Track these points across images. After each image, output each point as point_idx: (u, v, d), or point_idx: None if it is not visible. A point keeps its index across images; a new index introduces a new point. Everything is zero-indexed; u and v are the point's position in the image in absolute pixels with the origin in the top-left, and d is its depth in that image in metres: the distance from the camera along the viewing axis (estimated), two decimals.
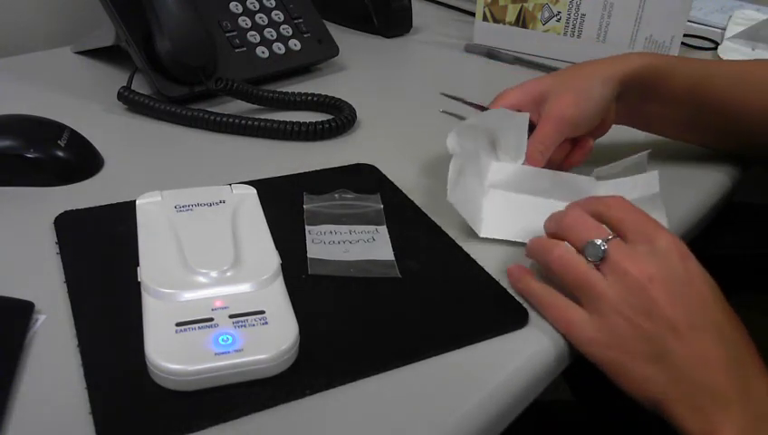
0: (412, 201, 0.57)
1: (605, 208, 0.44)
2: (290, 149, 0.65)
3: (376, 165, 0.62)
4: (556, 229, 0.46)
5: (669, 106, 0.59)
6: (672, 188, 0.56)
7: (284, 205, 0.55)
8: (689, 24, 1.04)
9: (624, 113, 0.59)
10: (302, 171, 0.60)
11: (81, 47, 0.84)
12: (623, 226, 0.43)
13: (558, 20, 0.89)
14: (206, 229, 0.47)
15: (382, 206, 0.55)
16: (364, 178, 0.60)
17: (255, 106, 0.72)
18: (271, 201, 0.52)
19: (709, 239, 0.68)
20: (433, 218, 0.54)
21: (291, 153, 0.65)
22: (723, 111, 0.59)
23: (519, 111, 0.57)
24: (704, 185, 0.63)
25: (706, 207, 0.61)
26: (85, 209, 0.53)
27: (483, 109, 0.60)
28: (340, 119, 0.68)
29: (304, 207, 0.54)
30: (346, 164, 0.62)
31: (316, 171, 0.60)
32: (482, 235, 0.52)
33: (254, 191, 0.52)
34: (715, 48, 0.99)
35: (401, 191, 0.58)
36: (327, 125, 0.67)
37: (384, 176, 0.60)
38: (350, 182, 0.58)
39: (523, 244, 0.49)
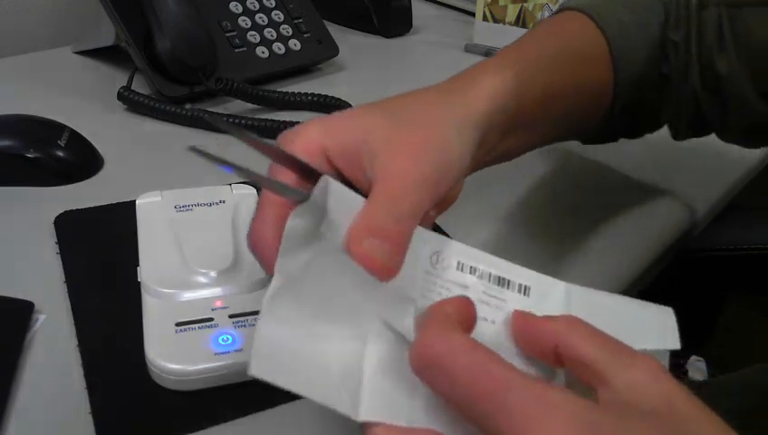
0: None
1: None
2: None
3: None
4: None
5: (528, 130, 0.43)
6: (672, 186, 0.56)
7: None
8: None
9: (476, 163, 0.38)
10: None
11: (82, 47, 0.84)
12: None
13: None
14: (206, 229, 0.47)
15: None
16: None
17: (255, 106, 0.72)
18: None
19: (707, 238, 0.68)
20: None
21: None
22: (567, 104, 0.46)
23: (313, 169, 0.32)
24: (703, 183, 0.63)
25: (705, 207, 0.61)
26: (85, 209, 0.53)
27: (270, 152, 0.32)
28: None
29: None
30: None
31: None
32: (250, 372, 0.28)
33: (255, 191, 0.52)
34: None
35: None
36: None
37: None
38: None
39: (524, 245, 0.49)
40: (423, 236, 0.31)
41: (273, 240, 0.32)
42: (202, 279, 0.42)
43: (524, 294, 0.32)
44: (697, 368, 0.73)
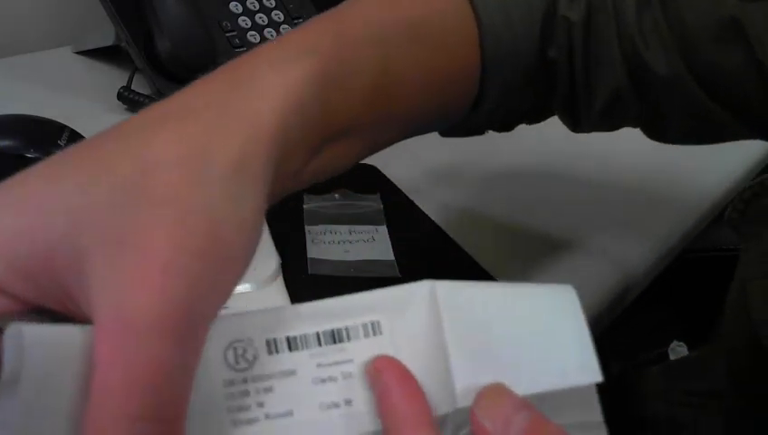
0: (412, 201, 0.57)
1: None
2: None
3: (376, 165, 0.62)
4: None
5: (357, 136, 0.31)
6: (672, 185, 0.56)
7: (284, 205, 0.54)
8: None
9: (274, 195, 0.25)
10: None
11: (82, 47, 0.84)
12: None
13: None
14: None
15: (382, 206, 0.55)
16: (364, 178, 0.60)
17: None
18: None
19: (708, 239, 0.68)
20: (433, 218, 0.54)
21: None
22: (412, 98, 0.33)
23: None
24: (704, 183, 0.63)
25: (707, 204, 0.61)
26: None
27: None
28: None
29: (304, 206, 0.54)
30: None
31: None
32: None
33: None
34: None
35: (401, 191, 0.58)
36: None
37: (384, 176, 0.60)
38: (350, 182, 0.58)
39: (522, 248, 0.49)
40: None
41: None
42: None
43: (374, 333, 0.23)
44: (678, 353, 0.73)
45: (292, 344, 0.23)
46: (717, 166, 0.66)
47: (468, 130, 0.41)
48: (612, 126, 0.43)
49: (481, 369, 0.23)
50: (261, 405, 0.22)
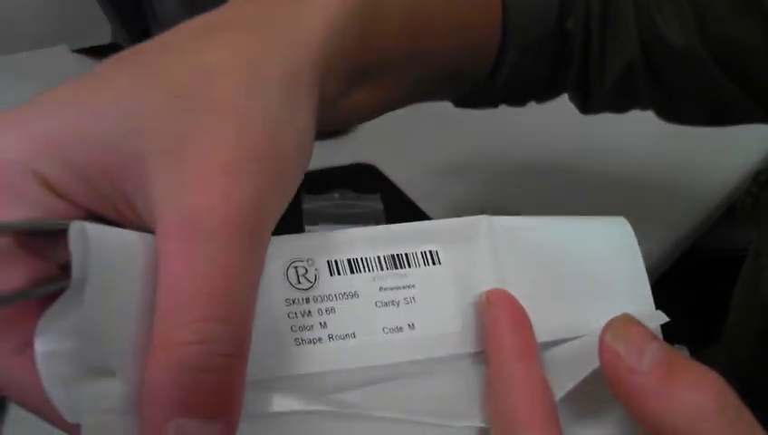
0: (412, 201, 0.56)
1: None
2: None
3: (376, 165, 0.62)
4: None
5: (386, 77, 0.31)
6: (675, 185, 0.56)
7: None
8: None
9: (321, 123, 0.25)
10: None
11: (79, 45, 0.84)
12: None
13: None
14: None
15: (382, 206, 0.55)
16: (364, 178, 0.59)
17: None
18: None
19: (712, 239, 0.67)
20: (433, 218, 0.54)
21: None
22: (440, 42, 0.33)
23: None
24: (711, 179, 0.63)
25: (714, 201, 0.61)
26: None
27: None
28: None
29: (303, 206, 0.54)
30: (346, 164, 0.62)
31: (316, 171, 0.60)
32: None
33: None
34: None
35: (401, 191, 0.58)
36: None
37: (384, 176, 0.60)
38: (350, 182, 0.58)
39: None
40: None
41: (36, 395, 0.18)
42: None
43: (433, 262, 0.23)
44: None
45: (353, 266, 0.22)
46: (725, 162, 0.66)
47: (484, 98, 0.41)
48: (621, 106, 0.43)
49: (542, 306, 0.23)
50: (324, 325, 0.21)
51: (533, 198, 0.60)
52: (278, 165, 0.20)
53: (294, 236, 0.22)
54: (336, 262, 0.22)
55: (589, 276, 0.24)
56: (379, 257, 0.23)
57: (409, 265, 0.23)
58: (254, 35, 0.22)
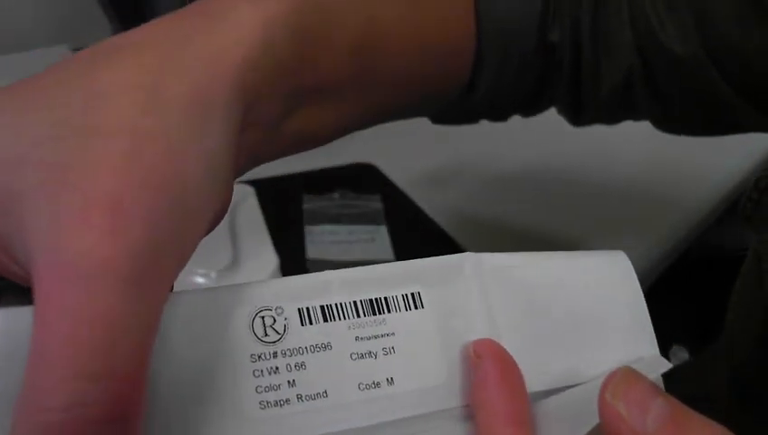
0: (412, 201, 0.56)
1: None
2: None
3: (376, 165, 0.62)
4: None
5: (339, 98, 0.28)
6: (675, 185, 0.56)
7: (283, 204, 0.54)
8: None
9: (249, 155, 0.24)
10: (301, 171, 0.60)
11: (79, 45, 0.83)
12: None
13: None
14: None
15: (382, 206, 0.55)
16: (364, 178, 0.59)
17: None
18: (270, 201, 0.51)
19: (711, 240, 0.67)
20: (433, 218, 0.54)
21: None
22: (403, 59, 0.31)
23: None
24: (707, 183, 0.63)
25: (713, 202, 0.61)
26: None
27: None
28: None
29: (304, 206, 0.54)
30: (346, 164, 0.62)
31: (316, 171, 0.60)
32: None
33: (253, 190, 0.51)
34: None
35: (401, 191, 0.58)
36: None
37: (384, 176, 0.60)
38: (350, 182, 0.58)
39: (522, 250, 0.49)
40: (222, 298, 0.19)
41: None
42: (200, 279, 0.42)
43: (415, 306, 0.21)
44: (680, 358, 0.73)
45: (327, 314, 0.20)
46: (724, 163, 0.65)
47: (461, 115, 0.39)
48: (616, 117, 0.42)
49: (536, 353, 0.21)
50: (292, 384, 0.19)
51: (533, 198, 0.60)
52: (179, 196, 0.17)
53: (261, 282, 0.20)
54: (308, 309, 0.20)
55: (587, 318, 0.22)
56: (355, 302, 0.20)
57: (389, 311, 0.20)
58: (155, 57, 0.19)
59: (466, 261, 0.21)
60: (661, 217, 0.58)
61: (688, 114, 0.40)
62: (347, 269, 0.20)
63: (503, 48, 0.36)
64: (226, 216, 0.50)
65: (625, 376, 0.19)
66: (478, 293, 0.21)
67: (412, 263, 0.21)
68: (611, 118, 0.42)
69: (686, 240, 0.59)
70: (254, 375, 0.18)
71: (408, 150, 0.65)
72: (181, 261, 0.17)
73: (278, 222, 0.49)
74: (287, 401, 0.19)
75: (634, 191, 0.62)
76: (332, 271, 0.20)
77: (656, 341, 0.22)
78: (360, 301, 0.20)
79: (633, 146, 0.57)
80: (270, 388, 0.19)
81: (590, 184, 0.63)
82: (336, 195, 0.56)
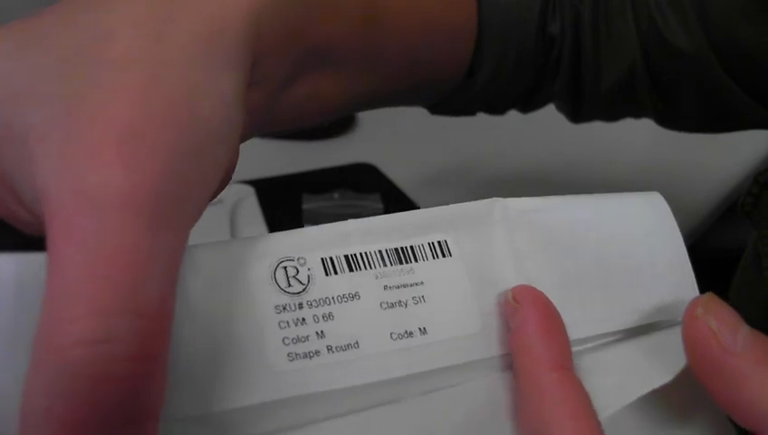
0: (412, 201, 0.56)
1: None
2: (289, 148, 0.65)
3: (376, 165, 0.61)
4: None
5: (345, 69, 0.27)
6: (674, 185, 0.56)
7: (283, 205, 0.54)
8: None
9: (257, 115, 0.23)
10: (301, 171, 0.60)
11: None
12: None
13: None
14: (203, 229, 0.46)
15: (382, 206, 0.55)
16: (364, 178, 0.59)
17: None
18: (269, 201, 0.51)
19: (711, 240, 0.67)
20: None
21: (290, 152, 0.64)
22: (408, 37, 0.31)
23: None
24: (706, 183, 0.63)
25: (714, 202, 0.61)
26: None
27: None
28: (339, 118, 0.67)
29: (303, 206, 0.54)
30: (346, 164, 0.62)
31: (316, 171, 0.60)
32: None
33: (253, 191, 0.51)
34: None
35: (401, 191, 0.58)
36: (327, 124, 0.67)
37: (384, 176, 0.60)
38: (350, 182, 0.58)
39: None
40: (240, 250, 0.19)
41: None
42: None
43: (443, 254, 0.20)
44: None
45: (352, 263, 0.19)
46: (724, 162, 0.65)
47: (460, 105, 0.39)
48: (616, 113, 0.42)
49: (572, 299, 0.20)
50: (321, 335, 0.18)
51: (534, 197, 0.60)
52: (197, 133, 0.16)
53: (278, 233, 0.19)
54: (332, 259, 0.19)
55: (622, 261, 0.21)
56: (380, 252, 0.19)
57: (416, 259, 0.20)
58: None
59: (494, 206, 0.21)
60: None
61: (692, 110, 0.40)
62: (366, 218, 0.20)
63: (503, 36, 0.36)
64: (227, 215, 0.50)
65: (714, 299, 0.19)
66: (507, 239, 0.20)
67: (435, 210, 0.20)
68: (611, 113, 0.42)
69: (686, 240, 0.59)
70: (279, 327, 0.18)
71: (407, 150, 0.65)
72: (198, 205, 0.17)
73: (278, 222, 0.49)
74: (317, 352, 0.18)
75: (636, 189, 0.62)
76: (351, 220, 0.19)
77: (696, 283, 0.22)
78: (386, 250, 0.19)
79: (633, 146, 0.57)
80: (298, 339, 0.18)
81: (590, 184, 0.63)
82: (336, 195, 0.56)
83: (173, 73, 0.16)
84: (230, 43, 0.18)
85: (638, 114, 0.42)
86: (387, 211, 0.54)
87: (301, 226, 0.51)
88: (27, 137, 0.15)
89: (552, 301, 0.20)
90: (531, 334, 0.19)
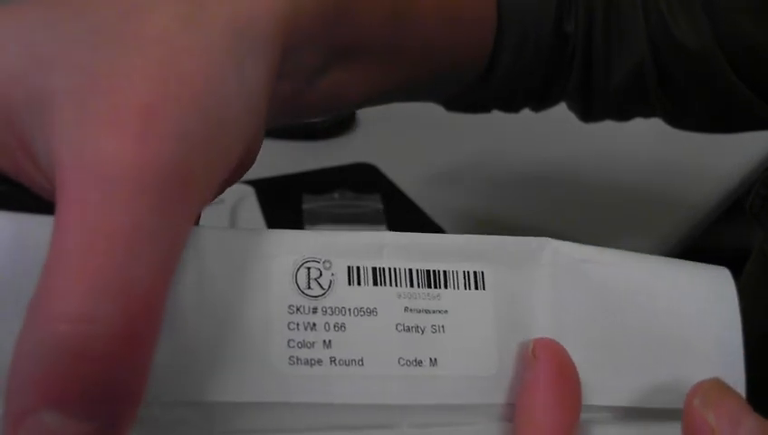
0: (412, 201, 0.56)
1: None
2: (289, 148, 0.65)
3: (376, 165, 0.61)
4: None
5: (372, 59, 0.28)
6: (674, 185, 0.56)
7: (283, 205, 0.54)
8: None
9: (284, 102, 0.23)
10: (301, 171, 0.60)
11: None
12: None
13: None
14: None
15: (382, 206, 0.55)
16: (364, 179, 0.59)
17: None
18: (269, 201, 0.51)
19: (710, 240, 0.67)
20: (433, 218, 0.54)
21: (290, 152, 0.64)
22: (432, 29, 0.31)
23: None
24: (706, 183, 0.63)
25: (715, 201, 0.61)
26: None
27: None
28: (340, 118, 0.67)
29: (303, 206, 0.54)
30: (346, 164, 0.62)
31: (316, 171, 0.60)
32: None
33: (253, 191, 0.51)
34: None
35: (401, 191, 0.58)
36: (327, 124, 0.67)
37: (384, 176, 0.60)
38: (350, 182, 0.58)
39: None
40: (267, 241, 0.18)
41: None
42: None
43: (476, 286, 0.19)
44: None
45: (378, 277, 0.18)
46: (725, 161, 0.65)
47: (477, 99, 0.39)
48: (626, 112, 0.42)
49: (603, 362, 0.19)
50: (328, 345, 0.17)
51: (533, 198, 0.60)
52: (216, 117, 0.16)
53: (312, 231, 0.18)
54: (358, 268, 0.18)
55: (669, 334, 0.19)
56: (410, 270, 0.18)
57: (446, 286, 0.18)
58: None
59: (545, 247, 0.20)
60: (662, 217, 0.58)
61: (701, 110, 0.39)
62: (404, 233, 0.19)
63: (521, 30, 0.36)
64: (227, 215, 0.50)
65: (716, 386, 0.17)
66: (550, 284, 0.19)
67: (480, 238, 0.19)
68: (622, 112, 0.42)
69: (686, 240, 0.59)
70: (288, 328, 0.17)
71: (408, 150, 0.65)
72: (209, 188, 0.16)
73: (278, 222, 0.49)
74: (319, 361, 0.17)
75: (635, 191, 0.62)
76: (388, 232, 0.19)
77: (744, 373, 0.20)
78: (417, 270, 0.18)
79: (634, 147, 0.57)
80: (303, 344, 0.17)
81: (591, 184, 0.63)
82: (336, 195, 0.56)
83: (196, 57, 0.16)
84: (258, 34, 0.18)
85: (647, 113, 0.42)
86: (387, 211, 0.54)
87: (301, 226, 0.52)
88: (50, 103, 0.15)
89: (581, 359, 0.18)
90: (538, 396, 0.18)
